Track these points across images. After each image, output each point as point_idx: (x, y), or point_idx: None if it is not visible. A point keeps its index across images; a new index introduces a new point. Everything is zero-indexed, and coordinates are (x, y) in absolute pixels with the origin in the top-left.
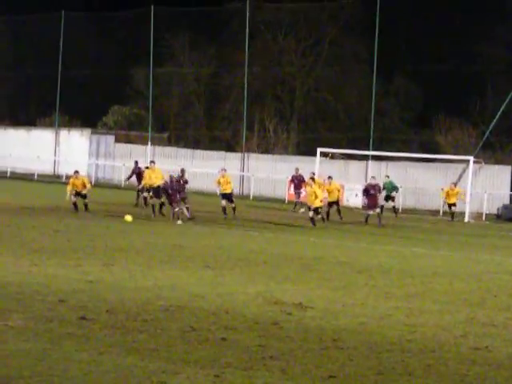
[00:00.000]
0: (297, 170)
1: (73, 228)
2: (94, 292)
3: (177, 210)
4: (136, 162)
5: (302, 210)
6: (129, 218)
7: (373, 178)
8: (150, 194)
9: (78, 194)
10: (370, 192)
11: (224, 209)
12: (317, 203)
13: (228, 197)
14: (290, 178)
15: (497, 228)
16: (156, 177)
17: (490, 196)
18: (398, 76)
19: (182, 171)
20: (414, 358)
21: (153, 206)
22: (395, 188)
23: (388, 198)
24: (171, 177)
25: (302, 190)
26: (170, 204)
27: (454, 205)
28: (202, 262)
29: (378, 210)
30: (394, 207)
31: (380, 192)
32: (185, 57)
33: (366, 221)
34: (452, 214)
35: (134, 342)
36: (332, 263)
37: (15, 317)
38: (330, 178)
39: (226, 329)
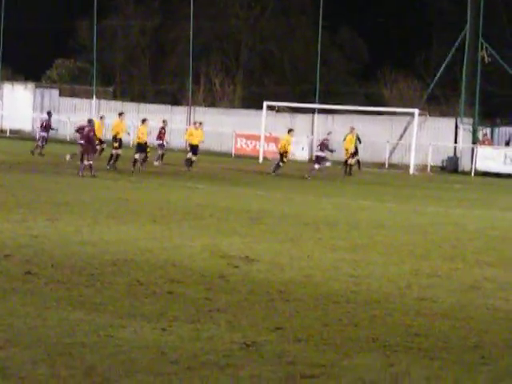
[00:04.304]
0: (165, 122)
1: (18, 183)
2: (39, 247)
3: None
4: (48, 113)
5: (156, 163)
6: None
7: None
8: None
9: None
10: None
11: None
12: None
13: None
14: (160, 130)
15: (441, 180)
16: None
17: (434, 148)
18: (343, 28)
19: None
20: (359, 309)
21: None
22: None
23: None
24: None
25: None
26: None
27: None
28: (148, 216)
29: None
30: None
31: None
32: (130, 9)
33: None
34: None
35: (80, 297)
36: (279, 216)
37: None
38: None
39: (173, 282)
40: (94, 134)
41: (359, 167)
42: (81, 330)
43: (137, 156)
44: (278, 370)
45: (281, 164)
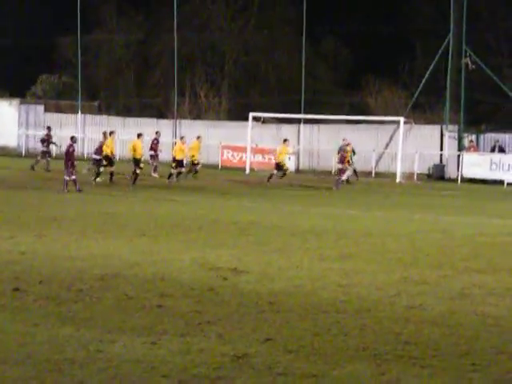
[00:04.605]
0: (158, 133)
1: (4, 199)
2: (26, 263)
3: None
4: (48, 128)
5: (155, 174)
6: None
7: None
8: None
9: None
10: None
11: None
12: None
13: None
14: (152, 141)
15: (428, 187)
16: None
17: (420, 156)
18: (327, 38)
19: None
20: (349, 319)
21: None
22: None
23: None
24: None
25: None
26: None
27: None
28: (136, 229)
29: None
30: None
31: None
32: (113, 23)
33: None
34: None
35: (69, 312)
36: (267, 227)
37: None
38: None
39: (162, 296)
40: (74, 150)
41: (357, 177)
42: (70, 345)
43: (136, 170)
44: (269, 382)
45: (277, 173)
